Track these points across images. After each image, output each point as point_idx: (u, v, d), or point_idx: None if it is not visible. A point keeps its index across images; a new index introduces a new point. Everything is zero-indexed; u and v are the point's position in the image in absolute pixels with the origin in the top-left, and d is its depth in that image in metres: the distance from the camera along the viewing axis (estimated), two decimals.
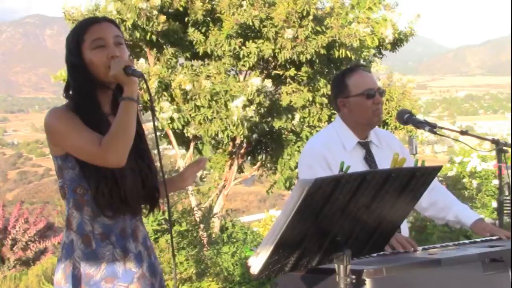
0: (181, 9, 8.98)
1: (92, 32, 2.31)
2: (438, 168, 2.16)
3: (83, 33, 2.32)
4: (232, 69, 9.72)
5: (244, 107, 8.40)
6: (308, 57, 8.79)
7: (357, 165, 2.94)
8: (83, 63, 2.30)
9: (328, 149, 3.01)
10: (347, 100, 3.08)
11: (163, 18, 8.59)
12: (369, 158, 3.07)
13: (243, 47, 8.92)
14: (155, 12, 8.55)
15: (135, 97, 2.21)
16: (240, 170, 10.71)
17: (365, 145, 3.10)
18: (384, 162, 2.99)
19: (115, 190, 2.26)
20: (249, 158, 10.71)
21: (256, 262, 1.94)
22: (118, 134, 2.17)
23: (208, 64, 9.35)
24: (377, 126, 3.19)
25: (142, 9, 8.42)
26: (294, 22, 8.65)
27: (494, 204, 6.79)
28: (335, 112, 3.64)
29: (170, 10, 9.00)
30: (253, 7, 8.70)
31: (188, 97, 8.72)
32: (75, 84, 2.35)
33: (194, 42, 9.10)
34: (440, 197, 3.20)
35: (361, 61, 9.66)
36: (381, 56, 10.52)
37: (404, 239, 2.72)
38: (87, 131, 2.23)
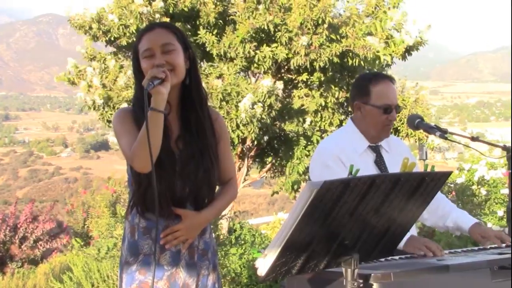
0: (186, 10, 8.96)
1: (144, 42, 2.44)
2: (448, 174, 2.14)
3: (138, 43, 2.48)
4: (243, 71, 9.71)
5: (253, 105, 8.38)
6: (321, 64, 8.78)
7: (368, 168, 2.97)
8: (141, 70, 2.41)
9: (342, 151, 3.01)
10: (364, 106, 3.09)
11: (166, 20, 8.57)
12: (379, 161, 3.09)
13: (257, 51, 8.92)
14: (158, 15, 8.51)
15: (160, 108, 2.26)
16: (249, 171, 10.71)
17: (375, 149, 3.13)
18: (393, 167, 3.00)
19: (149, 193, 2.35)
20: (258, 160, 10.70)
21: (264, 264, 1.94)
22: (141, 142, 2.24)
23: (217, 66, 9.34)
24: None
25: (143, 14, 8.40)
26: (309, 29, 8.63)
27: (501, 212, 6.74)
28: (346, 117, 3.65)
29: (175, 12, 8.98)
30: (269, 12, 8.69)
31: None
32: (135, 88, 2.53)
33: (206, 44, 9.09)
34: (440, 205, 3.20)
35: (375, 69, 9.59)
36: (391, 63, 10.45)
37: (435, 245, 2.69)
38: (130, 135, 2.35)
